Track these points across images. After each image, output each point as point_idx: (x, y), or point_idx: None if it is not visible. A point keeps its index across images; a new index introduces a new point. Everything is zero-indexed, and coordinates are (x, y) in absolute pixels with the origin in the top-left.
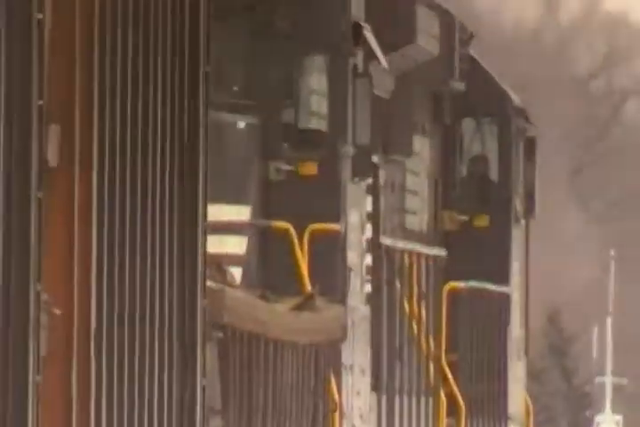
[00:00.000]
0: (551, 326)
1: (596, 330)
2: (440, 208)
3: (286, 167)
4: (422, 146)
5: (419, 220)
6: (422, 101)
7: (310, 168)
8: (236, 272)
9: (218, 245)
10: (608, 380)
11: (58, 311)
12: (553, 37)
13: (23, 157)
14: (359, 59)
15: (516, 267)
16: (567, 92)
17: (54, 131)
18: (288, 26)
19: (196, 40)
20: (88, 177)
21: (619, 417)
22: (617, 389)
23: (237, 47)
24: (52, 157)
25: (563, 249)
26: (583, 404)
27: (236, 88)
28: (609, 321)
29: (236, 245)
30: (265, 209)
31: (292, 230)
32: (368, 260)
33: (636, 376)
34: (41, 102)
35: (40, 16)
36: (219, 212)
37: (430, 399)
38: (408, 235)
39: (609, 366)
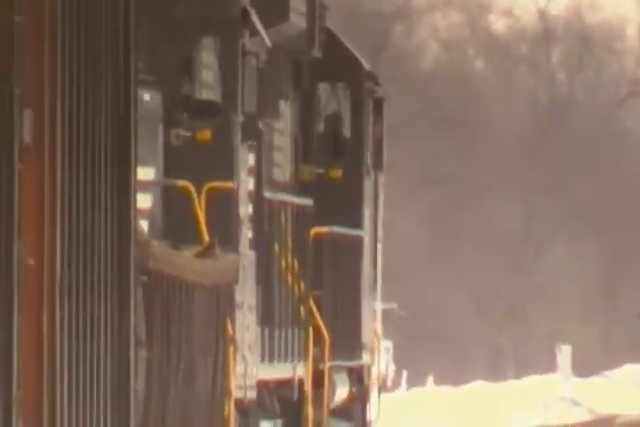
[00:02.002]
0: None
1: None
2: (300, 162)
3: (185, 133)
4: (285, 108)
5: (283, 173)
6: (285, 69)
7: (206, 134)
8: (144, 225)
9: None
10: (378, 305)
11: (31, 262)
12: None
13: (7, 136)
14: (246, 39)
15: (367, 213)
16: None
17: (28, 114)
18: (185, 12)
19: (127, 34)
20: (54, 151)
21: (389, 343)
22: (387, 314)
23: (144, 32)
24: (27, 136)
25: None
26: None
27: (140, 65)
28: (379, 248)
29: (143, 201)
30: (168, 170)
31: (192, 188)
32: (250, 210)
33: (404, 302)
34: (18, 91)
35: (18, 19)
36: None
37: (301, 331)
38: (275, 186)
39: (379, 292)
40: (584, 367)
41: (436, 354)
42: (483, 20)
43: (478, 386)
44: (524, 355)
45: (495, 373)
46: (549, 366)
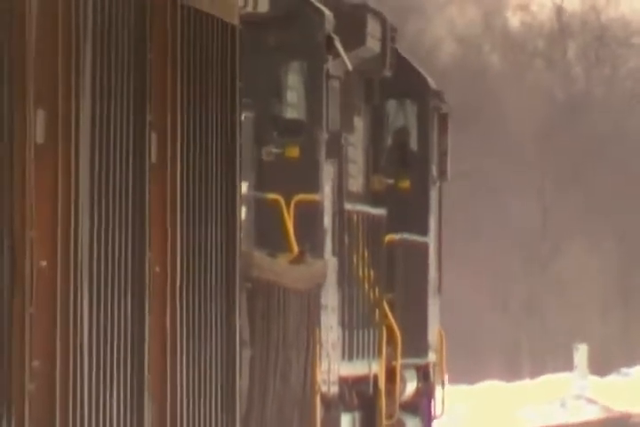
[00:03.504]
0: None
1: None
2: (371, 173)
3: (275, 150)
4: (357, 123)
5: (356, 183)
6: (358, 87)
7: (294, 151)
8: None
9: None
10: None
11: (158, 269)
12: None
13: (141, 157)
14: (330, 63)
15: (432, 221)
16: None
17: (154, 137)
18: (275, 39)
19: (234, 65)
20: (175, 169)
21: None
22: None
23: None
24: (153, 156)
25: None
26: None
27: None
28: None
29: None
30: (259, 184)
31: (282, 201)
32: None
33: None
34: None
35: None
36: None
37: (376, 331)
38: (350, 196)
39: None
40: (601, 366)
41: (450, 352)
42: (499, 16)
43: (493, 384)
44: (540, 353)
45: (511, 371)
46: (566, 364)
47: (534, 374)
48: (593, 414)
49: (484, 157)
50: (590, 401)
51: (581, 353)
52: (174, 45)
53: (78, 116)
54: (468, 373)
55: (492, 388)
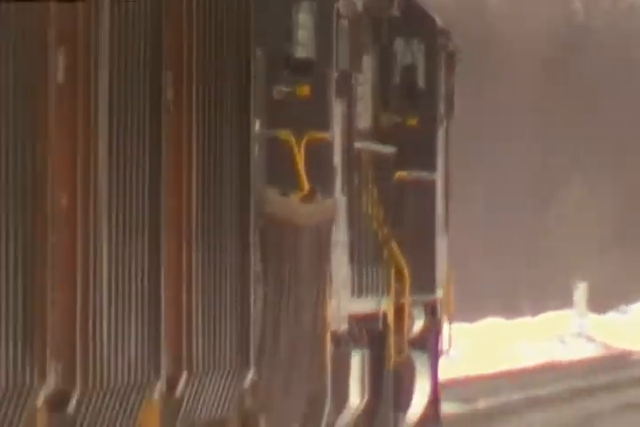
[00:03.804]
0: None
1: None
2: (379, 111)
3: (286, 89)
4: (366, 61)
5: (365, 121)
6: (367, 26)
7: (305, 89)
8: None
9: None
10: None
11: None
12: None
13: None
14: (340, 3)
15: (440, 158)
16: None
17: (169, 75)
18: None
19: (248, 8)
20: (190, 110)
21: None
22: None
23: None
24: (61, 75)
25: None
26: None
27: None
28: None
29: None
30: (270, 123)
31: (293, 139)
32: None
33: None
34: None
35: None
36: None
37: (384, 269)
38: (359, 134)
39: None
40: (600, 303)
41: None
42: None
43: (493, 322)
44: (539, 292)
45: (511, 309)
46: (565, 302)
47: (534, 311)
48: (592, 351)
49: (482, 96)
50: (590, 339)
51: (581, 291)
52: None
53: (97, 55)
54: (468, 311)
55: (492, 325)
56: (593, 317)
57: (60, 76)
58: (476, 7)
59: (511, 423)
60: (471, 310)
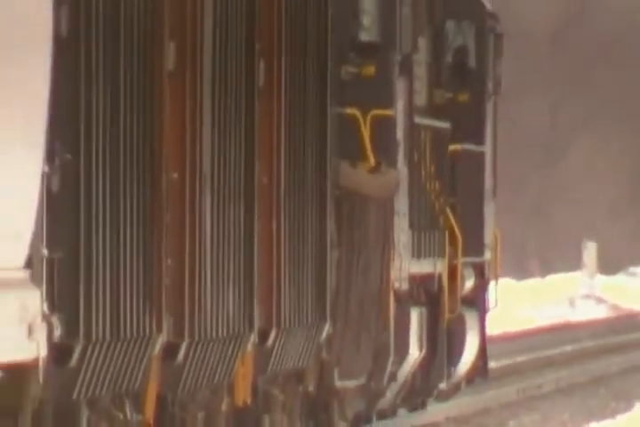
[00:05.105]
0: None
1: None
2: (433, 88)
3: (353, 70)
4: (421, 42)
5: (420, 98)
6: (422, 9)
7: (370, 70)
8: None
9: None
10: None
11: (265, 180)
12: None
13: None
14: None
15: (488, 131)
16: None
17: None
18: None
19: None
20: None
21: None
22: None
23: None
24: (171, 64)
25: None
26: None
27: None
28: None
29: None
30: (339, 101)
31: (359, 115)
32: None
33: None
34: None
35: None
36: None
37: (440, 234)
38: (416, 110)
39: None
40: (610, 264)
41: None
42: None
43: (504, 282)
44: (549, 253)
45: (520, 271)
46: (575, 263)
47: (543, 273)
48: (602, 312)
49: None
50: (599, 300)
51: (590, 251)
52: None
53: (202, 46)
54: None
55: (502, 286)
56: (601, 278)
57: (171, 64)
58: None
59: (523, 383)
60: None
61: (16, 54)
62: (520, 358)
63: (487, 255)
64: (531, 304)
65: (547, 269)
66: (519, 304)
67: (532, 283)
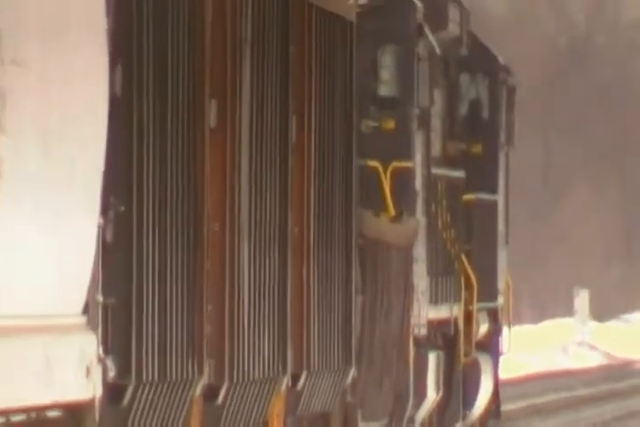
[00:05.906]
0: None
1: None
2: (447, 140)
3: (373, 123)
4: (437, 95)
5: (436, 149)
6: (438, 64)
7: (390, 124)
8: None
9: None
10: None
11: (296, 230)
12: None
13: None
14: (420, 47)
15: (501, 181)
16: None
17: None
18: (372, 25)
19: (351, 59)
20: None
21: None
22: None
23: None
24: (212, 121)
25: None
26: None
27: None
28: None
29: None
30: (360, 153)
31: (380, 167)
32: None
33: None
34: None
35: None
36: None
37: (456, 279)
38: (431, 161)
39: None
40: (602, 312)
41: None
42: None
43: None
44: (541, 300)
45: (513, 317)
46: (567, 310)
47: (535, 320)
48: (595, 360)
49: None
50: (592, 347)
51: (582, 298)
52: (310, 41)
53: (241, 105)
54: None
55: None
56: (594, 325)
57: (212, 122)
58: (480, 18)
59: None
60: None
61: (77, 113)
62: (509, 406)
63: (500, 300)
64: (525, 350)
65: (539, 316)
66: (513, 350)
67: (524, 329)
